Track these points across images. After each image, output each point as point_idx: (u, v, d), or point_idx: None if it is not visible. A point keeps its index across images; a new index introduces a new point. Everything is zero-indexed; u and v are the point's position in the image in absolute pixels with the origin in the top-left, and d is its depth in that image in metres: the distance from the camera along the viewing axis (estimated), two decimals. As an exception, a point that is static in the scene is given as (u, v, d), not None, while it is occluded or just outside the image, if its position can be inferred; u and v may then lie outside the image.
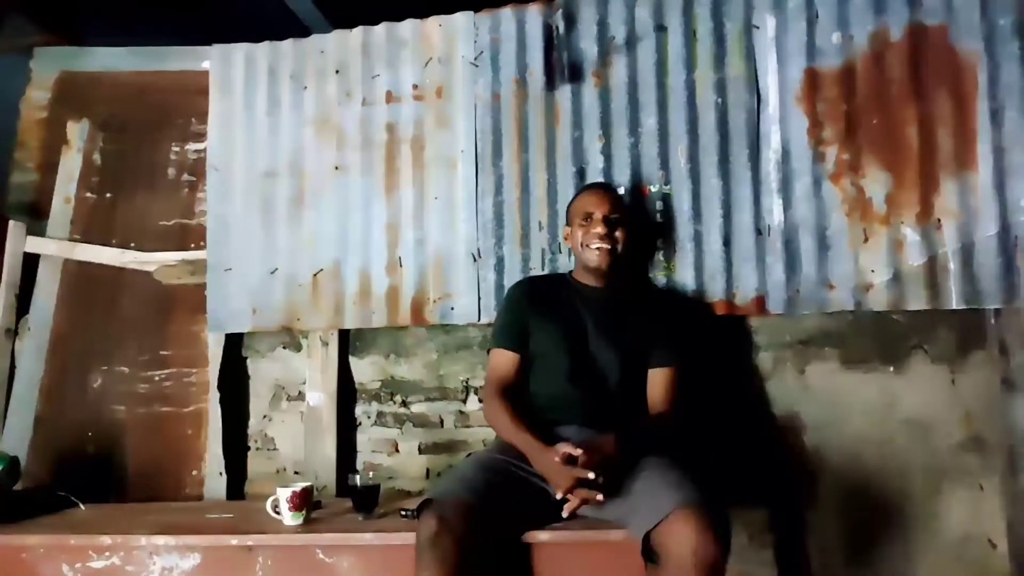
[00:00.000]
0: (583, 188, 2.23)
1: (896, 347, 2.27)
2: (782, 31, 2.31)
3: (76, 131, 2.86)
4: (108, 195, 2.85)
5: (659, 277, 2.33)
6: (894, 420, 2.25)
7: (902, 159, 2.20)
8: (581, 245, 2.08)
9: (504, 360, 2.05)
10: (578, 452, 1.68)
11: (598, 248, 2.03)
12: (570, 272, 2.18)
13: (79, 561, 1.90)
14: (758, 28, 2.33)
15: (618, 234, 2.05)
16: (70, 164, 2.84)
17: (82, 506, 2.27)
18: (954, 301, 2.13)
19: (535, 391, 2.02)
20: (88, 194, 2.84)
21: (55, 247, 2.77)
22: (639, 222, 2.34)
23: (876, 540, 2.23)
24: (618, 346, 2.00)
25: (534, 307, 2.07)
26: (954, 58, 2.19)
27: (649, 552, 1.61)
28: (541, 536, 1.76)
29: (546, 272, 2.39)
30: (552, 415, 1.95)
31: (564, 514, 1.70)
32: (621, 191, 2.37)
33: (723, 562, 1.51)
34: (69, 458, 2.61)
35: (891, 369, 2.27)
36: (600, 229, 2.03)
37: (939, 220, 2.16)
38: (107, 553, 1.89)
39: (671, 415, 1.96)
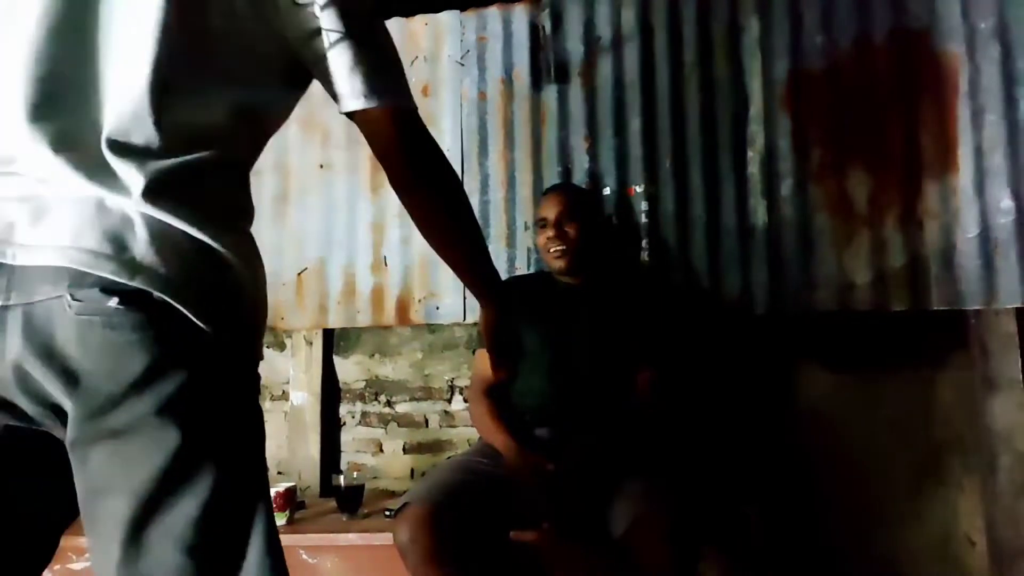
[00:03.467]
0: (544, 192, 2.23)
1: (878, 347, 2.28)
2: (767, 33, 2.33)
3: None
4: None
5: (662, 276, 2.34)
6: (876, 420, 2.27)
7: (884, 161, 2.22)
8: (541, 251, 2.10)
9: (488, 361, 2.04)
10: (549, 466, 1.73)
11: (552, 251, 2.04)
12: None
13: (58, 563, 1.88)
14: (743, 29, 2.35)
15: (570, 232, 2.03)
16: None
17: (61, 507, 2.23)
18: (935, 302, 2.15)
19: (517, 390, 2.02)
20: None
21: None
22: (620, 218, 2.35)
23: (859, 539, 2.25)
24: (599, 344, 2.00)
25: (517, 307, 2.07)
26: (936, 61, 2.21)
27: (624, 551, 1.64)
28: (525, 535, 1.76)
29: (532, 271, 2.39)
30: (533, 415, 1.96)
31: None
32: (607, 191, 2.38)
33: (679, 565, 1.57)
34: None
35: (873, 369, 2.28)
36: (550, 232, 2.04)
37: (921, 222, 2.18)
38: (87, 555, 1.87)
39: (649, 412, 1.97)
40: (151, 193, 0.80)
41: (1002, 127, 2.15)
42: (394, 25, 2.59)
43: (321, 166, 2.58)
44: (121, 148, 0.81)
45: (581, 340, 2.00)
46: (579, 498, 1.73)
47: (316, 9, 0.90)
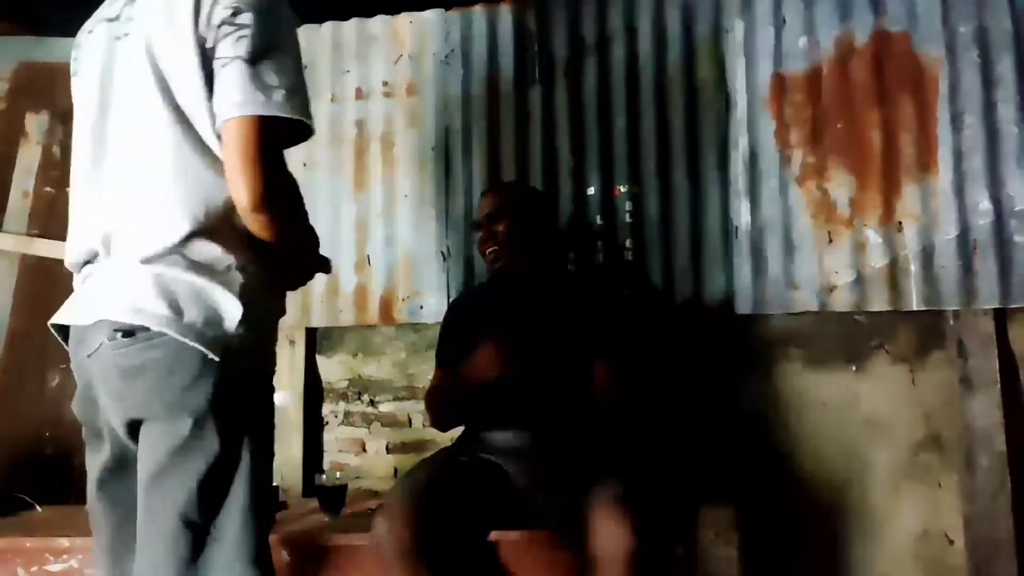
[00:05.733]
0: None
1: (858, 347, 2.30)
2: (750, 35, 2.34)
3: (35, 123, 2.79)
4: (68, 189, 2.76)
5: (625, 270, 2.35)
6: (856, 419, 2.28)
7: (865, 163, 2.24)
8: (480, 254, 2.10)
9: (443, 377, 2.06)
10: None
11: (487, 253, 2.05)
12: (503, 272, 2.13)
13: (36, 564, 1.85)
14: (727, 32, 2.36)
15: (499, 230, 2.02)
16: (28, 157, 2.77)
17: (39, 508, 2.21)
18: (915, 302, 2.18)
19: (479, 397, 2.01)
20: (47, 188, 2.77)
21: (12, 242, 2.70)
22: (604, 218, 2.36)
23: (838, 537, 2.27)
24: (559, 341, 1.97)
25: (469, 322, 2.05)
26: (916, 64, 2.24)
27: (578, 548, 1.63)
28: (502, 535, 1.76)
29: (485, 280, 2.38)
30: (496, 419, 1.94)
31: None
32: (591, 191, 2.38)
33: (642, 553, 1.52)
34: (25, 458, 2.54)
35: (853, 369, 2.30)
36: (482, 234, 2.05)
37: (900, 223, 2.21)
38: (65, 556, 1.85)
39: (613, 405, 1.95)
40: (157, 258, 1.15)
41: (981, 130, 2.17)
42: (378, 23, 2.58)
43: (304, 165, 2.56)
44: (148, 233, 1.16)
45: (538, 339, 1.98)
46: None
47: (222, 36, 1.15)
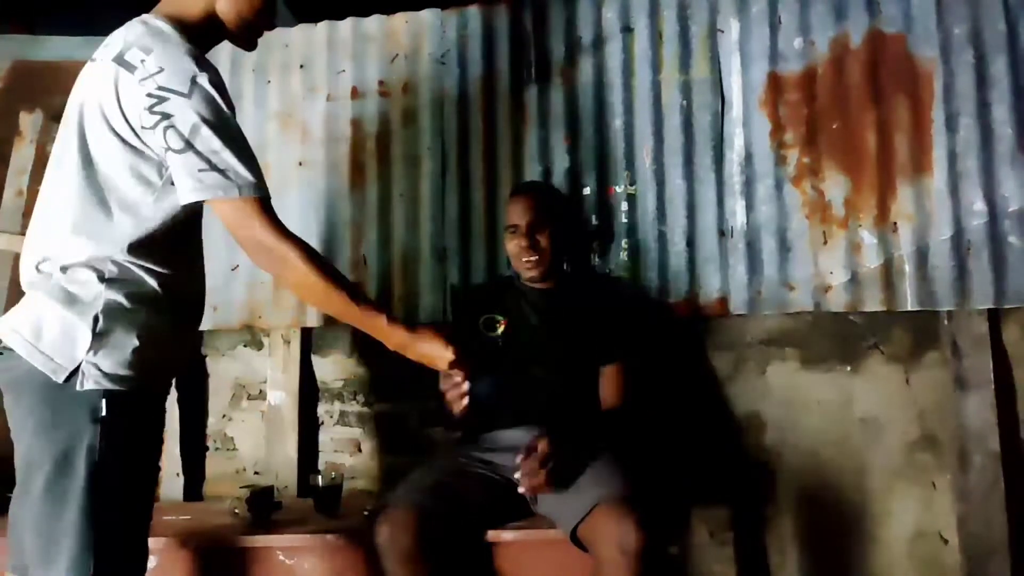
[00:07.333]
0: (512, 192, 2.18)
1: (853, 347, 2.31)
2: (746, 35, 2.34)
3: (29, 122, 2.78)
4: (62, 188, 2.76)
5: (624, 278, 2.35)
6: (851, 419, 2.29)
7: (860, 163, 2.25)
8: (512, 257, 2.08)
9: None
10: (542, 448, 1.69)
11: (524, 260, 2.02)
12: (517, 274, 2.13)
13: None
14: (722, 32, 2.36)
15: (542, 241, 2.01)
16: (23, 156, 2.76)
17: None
18: (909, 303, 2.18)
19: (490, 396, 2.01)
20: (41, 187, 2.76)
21: (6, 241, 2.69)
22: (600, 218, 2.36)
23: (833, 536, 2.27)
24: (566, 345, 1.99)
25: (476, 316, 2.06)
26: (911, 65, 2.24)
27: (582, 547, 1.63)
28: (504, 535, 1.76)
29: (492, 277, 2.39)
30: (503, 419, 1.94)
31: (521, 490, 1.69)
32: (587, 191, 2.38)
33: (650, 550, 1.52)
34: (19, 459, 2.53)
35: (848, 369, 2.31)
36: (523, 242, 2.01)
37: (895, 223, 2.21)
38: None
39: (619, 410, 1.97)
40: (39, 284, 1.31)
41: (975, 131, 2.18)
42: (374, 22, 2.58)
43: (300, 164, 2.56)
44: (37, 262, 1.34)
45: (546, 342, 1.99)
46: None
47: (149, 123, 1.28)
